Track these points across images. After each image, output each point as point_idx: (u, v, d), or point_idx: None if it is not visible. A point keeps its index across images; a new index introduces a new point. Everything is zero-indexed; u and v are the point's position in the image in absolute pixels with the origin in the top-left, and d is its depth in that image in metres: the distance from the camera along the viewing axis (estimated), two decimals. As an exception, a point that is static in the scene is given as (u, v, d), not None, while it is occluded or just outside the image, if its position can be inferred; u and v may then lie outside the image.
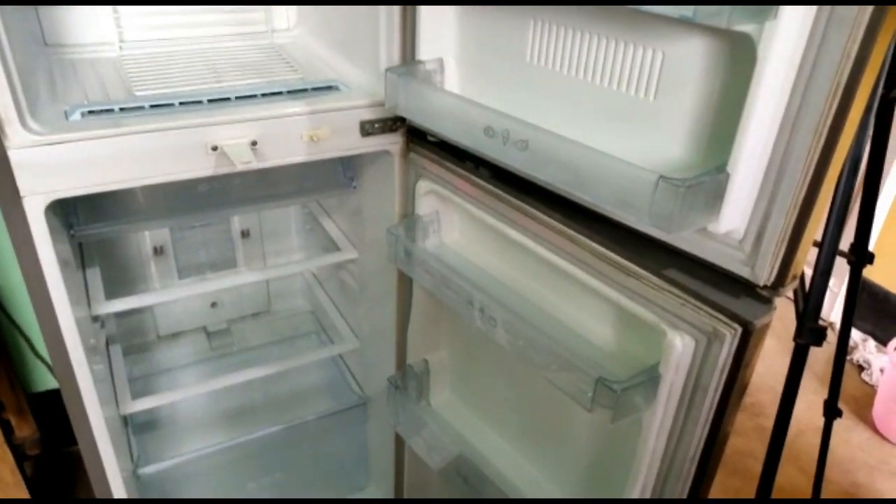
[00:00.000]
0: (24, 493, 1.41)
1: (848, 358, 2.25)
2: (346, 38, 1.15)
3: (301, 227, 1.68)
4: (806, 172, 0.62)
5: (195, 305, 1.65)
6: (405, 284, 1.19)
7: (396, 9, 0.96)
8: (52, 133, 0.83)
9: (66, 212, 1.06)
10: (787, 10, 0.56)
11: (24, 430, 1.64)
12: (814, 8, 0.57)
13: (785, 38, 0.57)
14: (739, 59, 0.64)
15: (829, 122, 0.59)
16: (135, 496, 1.19)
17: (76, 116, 0.90)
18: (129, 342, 1.60)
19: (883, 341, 2.20)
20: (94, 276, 1.20)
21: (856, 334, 2.30)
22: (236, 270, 1.59)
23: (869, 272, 2.26)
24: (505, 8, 0.86)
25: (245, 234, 1.59)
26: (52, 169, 0.84)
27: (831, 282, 2.36)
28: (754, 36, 0.58)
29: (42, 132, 0.83)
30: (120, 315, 1.54)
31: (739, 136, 0.63)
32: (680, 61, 0.69)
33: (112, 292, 1.17)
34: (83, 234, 1.09)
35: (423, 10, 0.92)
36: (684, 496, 0.82)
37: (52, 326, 0.95)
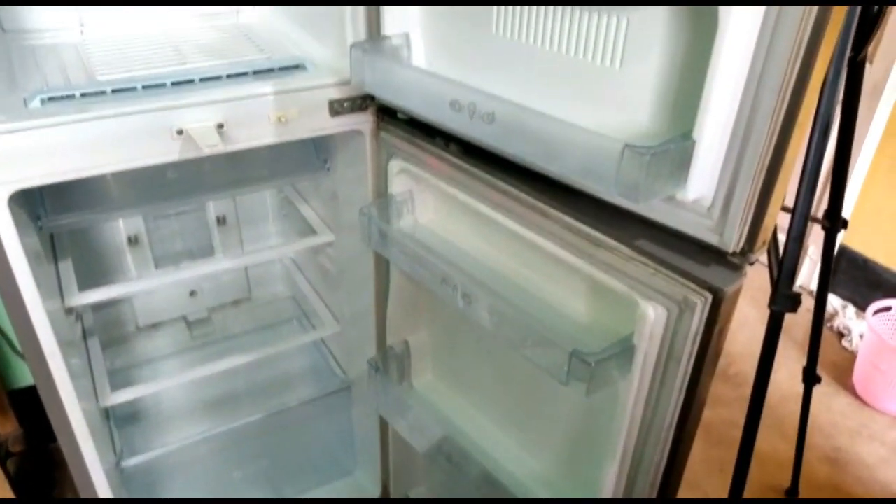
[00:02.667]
0: (7, 491, 1.40)
1: (828, 325, 2.28)
2: (312, 16, 1.13)
3: (278, 212, 1.66)
4: (770, 136, 0.62)
5: (174, 295, 1.64)
6: (382, 266, 1.19)
7: (361, -16, 0.95)
8: (10, 121, 0.81)
9: (32, 203, 1.04)
10: (745, -29, 0.56)
11: (6, 426, 1.63)
12: (772, -31, 0.56)
13: (744, 3, 0.57)
14: (702, 24, 0.63)
15: (791, 84, 0.59)
16: (118, 489, 1.19)
17: (35, 103, 0.87)
18: (108, 334, 1.58)
19: (862, 307, 2.23)
20: (67, 268, 1.18)
21: (835, 301, 2.33)
22: (213, 258, 1.58)
23: (847, 238, 2.28)
24: (469, -20, 0.85)
25: (221, 220, 1.57)
26: (12, 158, 0.82)
27: (810, 249, 2.38)
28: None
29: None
30: (98, 307, 1.52)
31: (704, 101, 0.62)
32: (644, 27, 0.69)
33: (87, 284, 1.16)
34: (51, 225, 1.07)
35: (387, -15, 0.90)
36: (663, 462, 0.82)
37: (23, 321, 0.94)
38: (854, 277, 2.29)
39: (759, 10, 0.58)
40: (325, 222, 1.37)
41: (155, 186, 1.18)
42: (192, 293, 1.66)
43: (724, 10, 0.58)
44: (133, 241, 1.50)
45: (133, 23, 1.22)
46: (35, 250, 0.99)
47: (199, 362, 1.30)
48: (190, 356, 1.64)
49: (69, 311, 1.15)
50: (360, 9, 0.96)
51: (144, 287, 1.48)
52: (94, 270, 1.48)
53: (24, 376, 1.69)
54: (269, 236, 1.68)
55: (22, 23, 1.14)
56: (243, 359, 1.30)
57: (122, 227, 1.48)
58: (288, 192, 1.51)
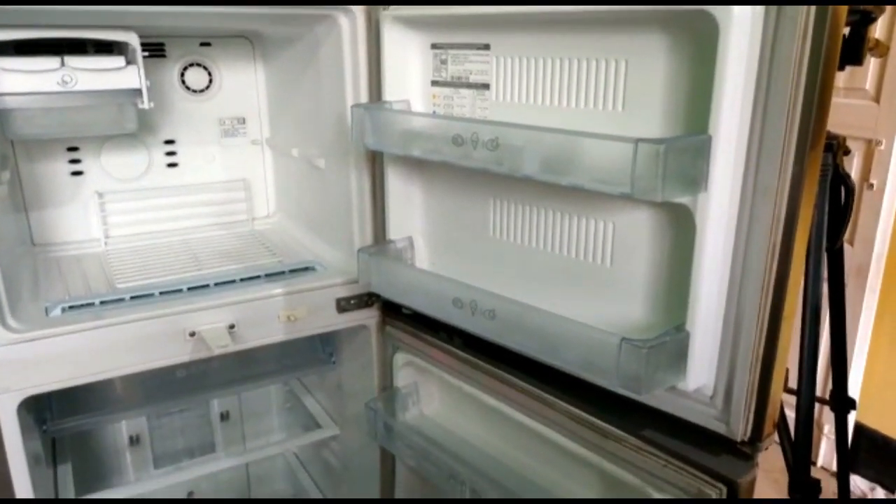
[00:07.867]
0: None
1: (859, 510, 2.15)
2: (322, 222, 1.22)
3: (282, 405, 1.65)
4: (761, 327, 0.65)
5: (170, 496, 1.57)
6: (388, 460, 1.16)
7: (367, 194, 1.03)
8: (30, 330, 0.84)
9: (39, 406, 1.05)
10: (715, 184, 0.62)
11: None
12: (740, 179, 0.62)
13: (717, 207, 0.62)
14: (682, 226, 0.68)
15: (772, 278, 0.63)
16: None
17: (56, 312, 0.92)
18: (97, 543, 1.49)
19: (891, 489, 2.12)
20: (66, 471, 1.15)
21: (862, 483, 2.22)
22: (214, 456, 1.54)
23: (862, 416, 2.22)
24: (467, 190, 0.92)
25: (224, 416, 1.55)
26: (28, 365, 0.84)
27: (826, 429, 2.32)
28: (690, 206, 0.63)
29: (20, 329, 0.84)
30: (89, 513, 1.46)
31: (692, 297, 0.66)
32: (630, 231, 0.74)
33: (83, 487, 1.12)
34: (57, 429, 1.07)
35: (392, 196, 0.98)
36: None
37: (14, 533, 0.91)
38: (878, 457, 2.20)
39: (731, 215, 0.64)
40: (330, 415, 1.36)
41: (162, 385, 1.19)
42: (190, 494, 1.59)
43: (700, 215, 0.63)
44: (134, 440, 1.47)
45: (155, 234, 1.29)
46: (36, 454, 0.98)
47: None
48: (182, 567, 1.53)
49: (62, 519, 1.10)
50: (367, 215, 1.04)
51: (142, 491, 1.43)
52: (92, 472, 1.44)
53: None
54: (272, 431, 1.65)
55: (50, 237, 1.21)
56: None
57: (123, 426, 1.46)
58: (292, 384, 1.51)
